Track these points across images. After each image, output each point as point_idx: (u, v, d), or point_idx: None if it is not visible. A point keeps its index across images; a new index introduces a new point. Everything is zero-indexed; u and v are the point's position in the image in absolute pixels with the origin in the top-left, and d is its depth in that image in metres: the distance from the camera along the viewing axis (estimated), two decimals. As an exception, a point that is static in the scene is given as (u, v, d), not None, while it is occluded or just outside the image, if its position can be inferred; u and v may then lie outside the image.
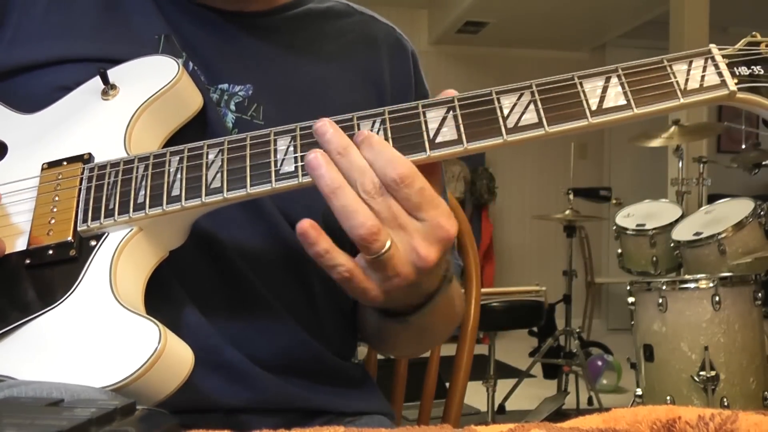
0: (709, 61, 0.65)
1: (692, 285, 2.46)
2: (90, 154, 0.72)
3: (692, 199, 3.77)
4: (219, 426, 0.68)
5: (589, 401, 3.77)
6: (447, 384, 1.16)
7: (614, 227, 3.43)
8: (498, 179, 6.22)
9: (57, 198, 0.70)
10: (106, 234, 0.68)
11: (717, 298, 2.40)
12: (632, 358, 2.73)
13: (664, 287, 2.49)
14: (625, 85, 0.64)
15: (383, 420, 0.89)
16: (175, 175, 0.68)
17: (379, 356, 1.33)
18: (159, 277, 0.70)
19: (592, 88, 0.64)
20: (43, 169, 0.73)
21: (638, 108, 0.64)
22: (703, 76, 0.65)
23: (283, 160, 0.66)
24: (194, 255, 0.76)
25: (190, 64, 0.83)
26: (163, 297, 0.71)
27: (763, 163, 3.37)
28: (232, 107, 0.83)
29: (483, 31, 6.23)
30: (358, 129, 0.66)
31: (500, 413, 3.56)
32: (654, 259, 3.24)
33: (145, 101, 0.75)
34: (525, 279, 5.54)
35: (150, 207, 0.67)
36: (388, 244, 0.61)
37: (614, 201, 4.05)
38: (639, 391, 2.63)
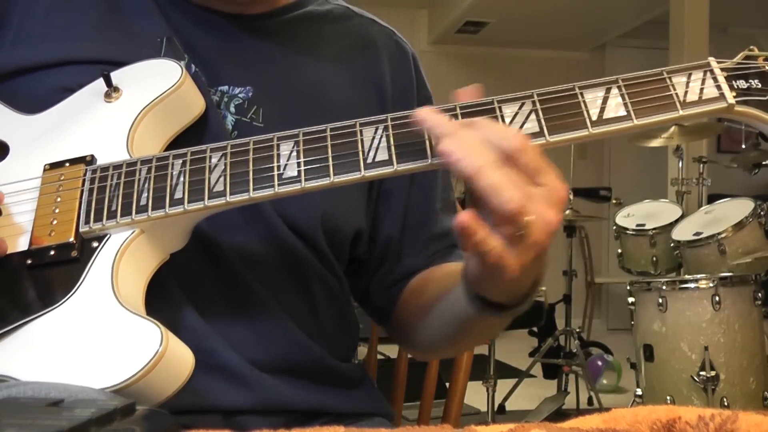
0: (708, 73, 0.66)
1: (692, 285, 2.46)
2: (92, 155, 0.73)
3: (692, 199, 3.78)
4: (218, 427, 0.68)
5: (589, 401, 3.76)
6: (447, 384, 1.16)
7: (614, 227, 3.43)
8: (498, 179, 6.21)
9: (59, 199, 0.71)
10: (108, 235, 0.68)
11: (717, 298, 2.40)
12: (632, 358, 2.73)
13: (664, 287, 2.49)
14: (626, 96, 0.65)
15: (382, 422, 0.89)
16: (178, 178, 0.68)
17: (379, 356, 1.33)
18: (158, 279, 0.70)
19: (592, 99, 0.65)
20: (45, 170, 0.73)
21: (638, 119, 0.64)
22: (702, 89, 0.66)
23: (286, 164, 0.67)
24: (193, 257, 0.76)
25: (192, 66, 0.83)
26: (161, 299, 0.71)
27: (763, 163, 3.37)
28: (232, 109, 0.83)
29: (483, 31, 6.23)
30: (360, 135, 0.66)
31: (500, 413, 3.56)
32: (654, 259, 3.24)
33: (148, 104, 0.75)
34: (525, 279, 5.53)
35: (152, 209, 0.67)
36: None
37: (614, 201, 4.05)
38: (639, 391, 2.63)
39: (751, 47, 0.68)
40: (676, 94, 0.65)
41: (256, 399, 0.78)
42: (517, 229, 0.59)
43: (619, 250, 3.43)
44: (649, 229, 3.25)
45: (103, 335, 0.62)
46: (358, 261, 0.94)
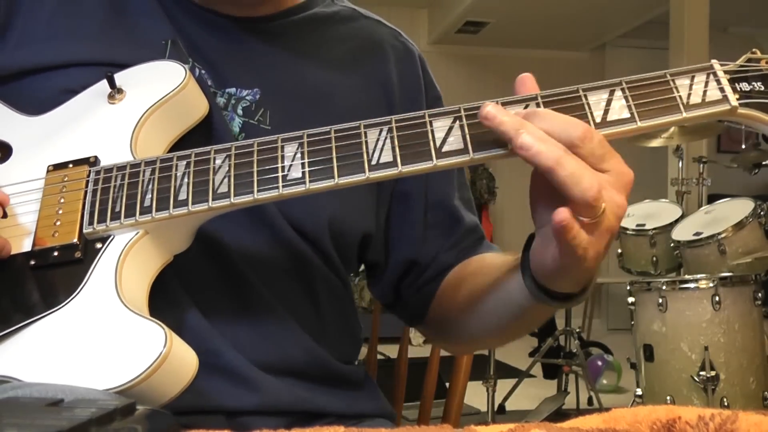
0: (711, 76, 0.66)
1: (692, 285, 2.46)
2: (96, 156, 0.73)
3: (692, 199, 3.78)
4: (221, 427, 0.68)
5: (589, 401, 3.76)
6: (447, 384, 1.16)
7: (614, 227, 3.43)
8: (498, 179, 6.22)
9: (62, 200, 0.71)
10: (112, 237, 0.68)
11: (717, 298, 2.40)
12: (632, 358, 2.73)
13: (664, 287, 2.49)
14: (629, 98, 0.65)
15: (384, 423, 0.89)
16: (182, 179, 0.68)
17: (379, 356, 1.33)
18: (162, 281, 0.70)
19: (596, 101, 0.65)
20: (48, 171, 0.73)
21: (642, 121, 0.65)
22: (705, 91, 0.66)
23: (291, 166, 0.67)
24: (197, 258, 0.76)
25: (197, 69, 0.83)
26: (165, 300, 0.71)
27: (763, 163, 3.37)
28: (239, 111, 0.83)
29: (483, 31, 6.23)
30: (365, 137, 0.66)
31: (500, 413, 3.56)
32: (654, 259, 3.24)
33: (152, 106, 0.75)
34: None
35: (157, 210, 0.67)
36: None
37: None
38: (639, 391, 2.63)
39: (754, 50, 0.68)
40: (680, 96, 0.65)
41: (259, 400, 0.78)
42: (594, 216, 0.60)
43: (619, 250, 3.43)
44: (649, 229, 3.25)
45: (106, 336, 0.62)
46: (374, 266, 0.95)
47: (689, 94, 0.65)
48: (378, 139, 0.66)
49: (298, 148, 0.67)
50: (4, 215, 0.70)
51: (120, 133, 0.74)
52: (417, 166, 0.65)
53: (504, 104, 0.65)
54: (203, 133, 0.79)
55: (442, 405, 1.15)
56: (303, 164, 0.66)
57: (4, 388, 0.56)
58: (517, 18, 5.92)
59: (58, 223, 0.69)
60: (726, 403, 2.36)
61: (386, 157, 0.65)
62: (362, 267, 0.98)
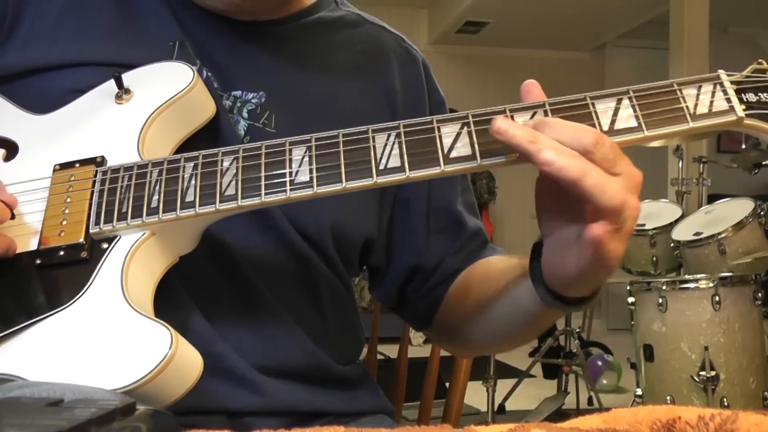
0: (718, 86, 0.66)
1: (692, 285, 2.46)
2: (103, 156, 0.73)
3: (692, 199, 3.77)
4: (223, 427, 0.68)
5: (589, 401, 3.76)
6: (447, 384, 1.16)
7: (614, 227, 3.43)
8: (498, 179, 6.22)
9: (69, 199, 0.71)
10: (118, 237, 0.68)
11: (717, 298, 2.40)
12: (632, 358, 2.73)
13: (664, 287, 2.49)
14: (637, 107, 0.65)
15: (384, 419, 0.90)
16: (190, 181, 0.68)
17: (379, 356, 1.33)
18: (166, 282, 0.70)
19: (604, 109, 0.66)
20: (55, 170, 0.73)
21: (649, 130, 0.65)
22: (711, 102, 0.66)
23: (298, 170, 0.67)
24: (201, 261, 0.76)
25: (204, 71, 0.83)
26: (169, 301, 0.71)
27: (763, 163, 3.37)
28: (245, 114, 0.84)
29: (483, 31, 6.23)
30: (373, 141, 0.66)
31: (500, 413, 3.56)
32: (654, 259, 3.23)
33: (159, 106, 0.75)
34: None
35: (164, 212, 0.67)
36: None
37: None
38: (639, 391, 2.63)
39: (760, 60, 0.69)
40: (686, 106, 0.65)
41: (261, 402, 0.78)
42: (619, 222, 0.60)
43: (619, 250, 3.42)
44: (649, 229, 3.25)
45: (112, 337, 0.62)
46: (376, 270, 0.95)
47: (696, 104, 0.66)
48: (386, 144, 0.66)
49: (305, 152, 0.67)
50: (12, 216, 0.70)
51: (127, 133, 0.74)
52: (425, 171, 0.65)
53: (512, 111, 0.66)
54: (209, 136, 0.79)
55: (442, 405, 1.15)
56: (311, 168, 0.66)
57: (10, 387, 0.56)
58: (517, 18, 5.92)
59: (65, 222, 0.69)
60: (726, 403, 2.36)
61: (394, 162, 0.65)
62: (363, 267, 0.99)
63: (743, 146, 3.92)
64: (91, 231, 0.68)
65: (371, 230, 0.90)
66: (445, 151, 0.65)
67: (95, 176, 0.71)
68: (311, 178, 0.66)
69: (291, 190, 0.66)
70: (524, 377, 3.74)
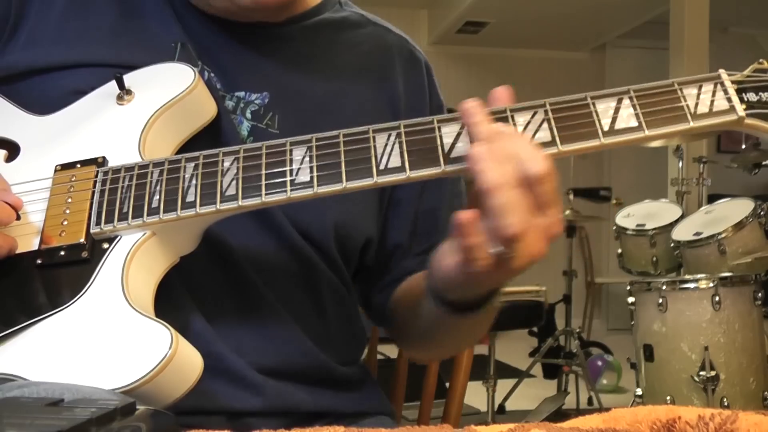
0: (719, 86, 0.66)
1: (692, 285, 2.46)
2: (104, 157, 0.73)
3: (692, 199, 3.77)
4: (223, 428, 0.69)
5: (589, 401, 3.76)
6: (447, 384, 1.16)
7: (614, 227, 3.43)
8: (498, 179, 6.21)
9: (70, 200, 0.71)
10: (119, 237, 0.68)
11: (717, 298, 2.40)
12: (632, 358, 2.73)
13: (664, 287, 2.49)
14: (637, 107, 0.65)
15: (385, 420, 0.89)
16: (190, 181, 0.68)
17: (379, 356, 1.33)
18: (166, 282, 0.70)
19: (604, 109, 0.66)
20: (56, 171, 0.73)
21: (649, 130, 0.65)
22: (712, 101, 0.66)
23: (299, 169, 0.67)
24: (202, 261, 0.76)
25: (206, 72, 0.83)
26: (169, 302, 0.72)
27: (763, 163, 3.37)
28: (248, 115, 0.84)
29: (483, 31, 6.23)
30: (373, 141, 0.66)
31: (500, 413, 3.56)
32: (654, 259, 3.23)
33: (161, 107, 0.75)
34: (525, 279, 5.54)
35: (164, 212, 0.68)
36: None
37: (614, 201, 4.05)
38: (639, 391, 2.63)
39: (761, 60, 0.69)
40: (687, 105, 0.65)
41: (262, 402, 0.79)
42: (508, 252, 0.59)
43: (619, 250, 3.43)
44: (649, 229, 3.25)
45: (112, 336, 0.62)
46: (366, 269, 0.95)
47: (696, 104, 0.66)
48: (386, 144, 0.66)
49: (306, 152, 0.67)
50: (18, 218, 0.70)
51: (128, 134, 0.74)
52: (425, 171, 0.65)
53: (512, 111, 0.66)
54: (212, 137, 0.79)
55: (442, 405, 1.15)
56: (311, 168, 0.66)
57: (10, 386, 0.56)
58: (517, 18, 5.91)
59: (66, 222, 0.70)
60: (726, 403, 2.36)
61: (395, 162, 0.65)
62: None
63: (743, 146, 3.91)
64: (92, 231, 0.69)
65: (372, 230, 0.90)
66: (446, 150, 0.65)
67: (96, 176, 0.71)
68: (312, 178, 0.66)
69: (291, 190, 0.66)
70: (524, 377, 3.74)
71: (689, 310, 2.45)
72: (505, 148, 0.60)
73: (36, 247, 0.69)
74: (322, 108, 0.87)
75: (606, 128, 0.65)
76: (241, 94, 0.84)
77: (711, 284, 2.42)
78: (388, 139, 0.66)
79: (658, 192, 4.43)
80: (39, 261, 0.68)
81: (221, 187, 0.67)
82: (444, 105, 0.98)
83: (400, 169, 0.65)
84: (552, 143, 0.65)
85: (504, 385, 3.53)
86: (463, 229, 0.60)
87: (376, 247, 0.93)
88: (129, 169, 0.71)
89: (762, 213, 2.84)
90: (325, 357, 0.85)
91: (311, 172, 0.66)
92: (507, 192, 0.58)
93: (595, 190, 4.55)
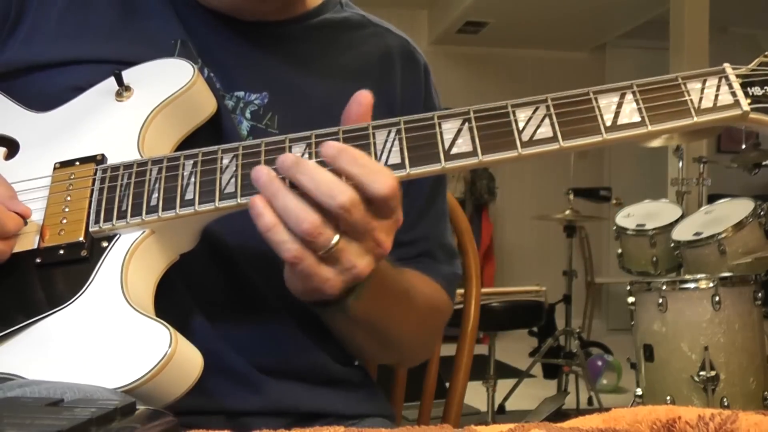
0: (723, 80, 0.65)
1: (692, 285, 2.46)
2: (103, 155, 0.73)
3: (692, 199, 3.77)
4: (223, 427, 0.68)
5: (589, 401, 3.77)
6: (447, 384, 1.16)
7: (614, 227, 3.43)
8: (498, 179, 6.22)
9: (69, 198, 0.71)
10: (118, 235, 0.68)
11: (717, 298, 2.40)
12: (632, 358, 2.73)
13: (664, 287, 2.49)
14: (640, 101, 0.64)
15: (384, 423, 0.89)
16: (189, 178, 0.68)
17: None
18: (165, 281, 0.70)
19: (607, 104, 0.65)
20: (55, 169, 0.73)
21: (652, 125, 0.64)
22: (716, 95, 0.65)
23: None
24: (201, 260, 0.76)
25: (206, 70, 0.83)
26: (168, 300, 0.71)
27: (763, 163, 3.37)
28: (248, 115, 0.84)
29: (483, 31, 6.23)
30: (373, 138, 0.66)
31: (500, 413, 3.57)
32: (654, 259, 3.24)
33: (160, 104, 0.75)
34: (525, 279, 5.53)
35: (163, 210, 0.67)
36: (335, 238, 0.62)
37: (614, 201, 4.05)
38: (639, 391, 2.63)
39: (766, 53, 0.68)
40: (691, 100, 0.64)
41: (261, 402, 0.78)
42: (319, 250, 0.62)
43: (619, 250, 3.43)
44: (649, 229, 3.25)
45: (112, 335, 0.62)
46: None
47: (700, 98, 0.64)
48: (386, 141, 0.66)
49: (305, 149, 0.67)
50: (25, 224, 0.70)
51: (127, 131, 0.74)
52: (425, 168, 0.65)
53: (513, 106, 0.65)
54: (212, 135, 0.79)
55: (442, 405, 1.15)
56: None
57: (10, 386, 0.56)
58: (517, 18, 5.91)
59: (65, 221, 0.69)
60: (726, 403, 2.36)
61: (394, 158, 0.65)
62: None
63: (743, 146, 3.91)
64: (90, 229, 0.68)
65: None
66: (446, 147, 0.65)
67: (95, 174, 0.71)
68: None
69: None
70: (524, 377, 3.75)
71: (689, 310, 2.45)
72: (303, 182, 0.62)
73: (35, 246, 0.69)
74: (322, 108, 0.87)
75: (608, 123, 0.64)
76: (241, 93, 0.84)
77: (711, 284, 2.42)
78: (388, 135, 0.66)
79: (658, 192, 4.43)
80: (38, 260, 0.68)
81: (220, 184, 0.67)
82: (438, 109, 0.97)
83: (400, 165, 0.65)
84: (554, 139, 0.64)
85: (504, 385, 3.53)
86: (253, 209, 0.63)
87: None
88: (128, 166, 0.70)
89: (762, 213, 2.84)
90: (324, 356, 0.85)
91: None
92: (281, 235, 0.62)
93: (595, 190, 4.56)
